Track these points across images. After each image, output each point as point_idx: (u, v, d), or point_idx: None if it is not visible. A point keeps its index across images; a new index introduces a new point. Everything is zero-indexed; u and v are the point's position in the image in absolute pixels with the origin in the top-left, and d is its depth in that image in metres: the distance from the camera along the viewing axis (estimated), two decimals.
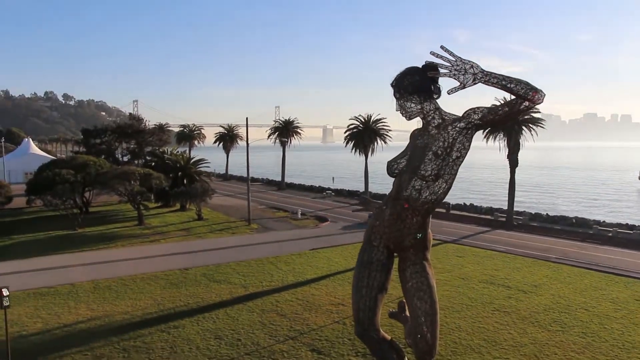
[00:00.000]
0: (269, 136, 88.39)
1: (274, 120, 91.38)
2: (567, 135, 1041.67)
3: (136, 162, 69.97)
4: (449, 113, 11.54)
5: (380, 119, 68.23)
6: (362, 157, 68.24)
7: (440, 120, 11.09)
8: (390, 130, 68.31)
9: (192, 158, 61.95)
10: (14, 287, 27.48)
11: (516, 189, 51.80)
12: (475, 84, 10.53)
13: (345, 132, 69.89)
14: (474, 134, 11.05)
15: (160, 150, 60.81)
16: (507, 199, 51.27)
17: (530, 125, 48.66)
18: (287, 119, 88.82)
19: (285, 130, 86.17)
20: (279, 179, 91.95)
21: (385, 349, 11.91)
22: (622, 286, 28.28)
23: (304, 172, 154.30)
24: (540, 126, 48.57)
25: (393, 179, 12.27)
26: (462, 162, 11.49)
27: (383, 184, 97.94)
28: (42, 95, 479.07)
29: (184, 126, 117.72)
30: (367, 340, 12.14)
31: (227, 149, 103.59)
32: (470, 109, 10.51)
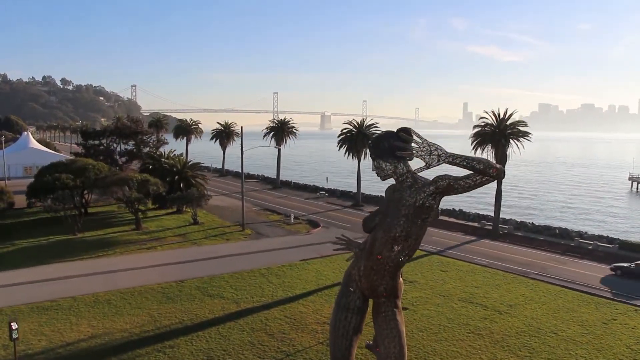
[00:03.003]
0: (264, 136, 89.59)
1: (271, 121, 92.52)
2: (565, 125, 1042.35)
3: (134, 163, 71.31)
4: (420, 176, 13.18)
5: (373, 124, 69.60)
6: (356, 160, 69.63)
7: (411, 181, 12.70)
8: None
9: (189, 162, 63.28)
10: (19, 301, 29.34)
11: (505, 191, 53.06)
12: (439, 164, 12.15)
13: (338, 137, 71.22)
14: (441, 198, 12.67)
15: (158, 153, 62.10)
16: (493, 206, 52.83)
17: (517, 139, 49.98)
18: (282, 119, 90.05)
19: (280, 131, 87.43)
20: (274, 175, 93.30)
21: None
22: (593, 307, 29.96)
23: (299, 165, 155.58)
24: (527, 140, 49.97)
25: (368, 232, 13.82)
26: (430, 221, 13.20)
27: (376, 184, 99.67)
28: (40, 80, 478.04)
29: (181, 120, 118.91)
30: None
31: (223, 145, 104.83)
32: (439, 176, 12.14)
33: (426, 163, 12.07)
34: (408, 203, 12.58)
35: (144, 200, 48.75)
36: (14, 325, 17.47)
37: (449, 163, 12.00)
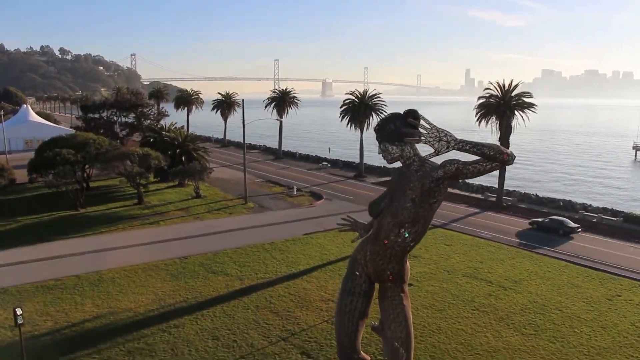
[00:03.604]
0: (265, 107, 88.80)
1: (272, 91, 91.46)
2: (568, 92, 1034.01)
3: (135, 135, 70.81)
4: (428, 159, 12.79)
5: (375, 94, 68.81)
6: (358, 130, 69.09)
7: (419, 165, 12.33)
8: (385, 105, 68.89)
9: (191, 134, 62.83)
10: (24, 280, 29.39)
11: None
12: (449, 150, 11.77)
13: (341, 107, 70.50)
14: (449, 182, 12.33)
15: (159, 126, 61.58)
16: (497, 178, 52.50)
17: (522, 111, 49.39)
18: (284, 89, 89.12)
19: (282, 102, 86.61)
20: (276, 145, 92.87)
21: None
22: (597, 283, 29.91)
23: (301, 135, 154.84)
24: (532, 111, 49.37)
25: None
26: (438, 206, 12.88)
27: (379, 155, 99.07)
28: (38, 50, 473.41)
29: (182, 91, 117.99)
30: None
31: (224, 116, 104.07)
32: (447, 161, 11.76)
33: (435, 150, 11.63)
34: (415, 187, 12.15)
35: (146, 174, 48.50)
36: (19, 311, 17.42)
37: (459, 150, 11.56)
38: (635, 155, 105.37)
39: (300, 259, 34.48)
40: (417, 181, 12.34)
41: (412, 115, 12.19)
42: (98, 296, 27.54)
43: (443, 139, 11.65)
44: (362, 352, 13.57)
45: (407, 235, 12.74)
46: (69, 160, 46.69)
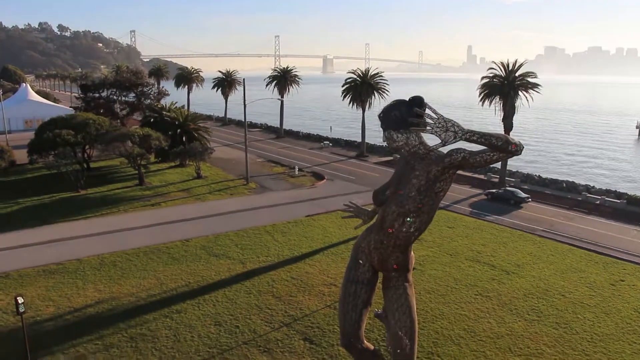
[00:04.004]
0: (266, 85, 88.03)
1: (273, 69, 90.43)
2: (571, 69, 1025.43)
3: (135, 115, 70.32)
4: (434, 148, 12.47)
5: (377, 74, 68.13)
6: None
7: (424, 154, 12.03)
8: (387, 84, 68.32)
9: (191, 114, 62.36)
10: (25, 264, 29.32)
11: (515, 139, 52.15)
12: (456, 141, 11.44)
13: (342, 86, 69.88)
14: (456, 171, 12.05)
15: (159, 106, 61.04)
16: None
17: (526, 91, 48.86)
18: (285, 67, 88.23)
19: (283, 80, 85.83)
20: (277, 123, 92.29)
21: (368, 357, 13.42)
22: (601, 268, 29.80)
23: (302, 113, 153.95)
24: (537, 92, 48.82)
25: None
26: (443, 196, 12.61)
27: (381, 134, 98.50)
28: (37, 27, 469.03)
29: (182, 69, 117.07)
30: (352, 350, 13.67)
31: (225, 94, 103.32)
32: (453, 150, 11.44)
33: (442, 140, 11.24)
34: (420, 176, 11.79)
35: (146, 155, 48.21)
36: (20, 300, 17.32)
37: (466, 140, 11.17)
38: (639, 135, 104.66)
39: (302, 242, 34.37)
40: (422, 170, 12.01)
41: (417, 103, 11.84)
42: (100, 280, 27.48)
43: (450, 129, 11.25)
44: (365, 340, 13.39)
45: (409, 220, 12.44)
46: (69, 142, 46.41)
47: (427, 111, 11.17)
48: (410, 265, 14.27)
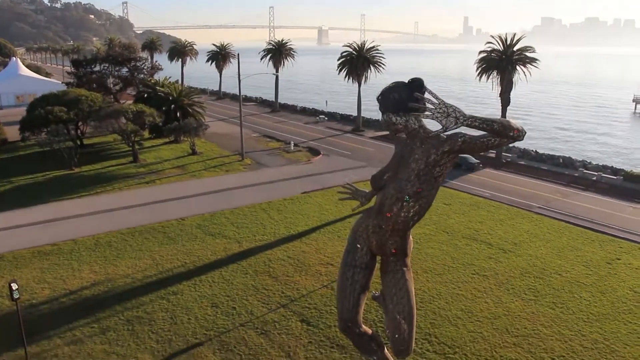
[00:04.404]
0: (261, 59, 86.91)
1: (267, 42, 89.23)
2: (568, 40, 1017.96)
3: (128, 90, 69.40)
4: (434, 133, 12.19)
5: (373, 47, 67.23)
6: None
7: (424, 137, 11.76)
8: (383, 57, 67.51)
9: (185, 89, 61.56)
10: (20, 245, 29.12)
11: (508, 115, 51.86)
12: (457, 127, 11.14)
13: (338, 60, 69.00)
14: (456, 156, 11.81)
15: (152, 81, 60.16)
16: None
17: (524, 66, 48.31)
18: (280, 40, 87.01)
19: (278, 53, 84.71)
20: (272, 97, 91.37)
21: (366, 341, 13.33)
22: (597, 246, 29.80)
23: (297, 87, 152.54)
24: (535, 67, 48.27)
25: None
26: (443, 180, 12.39)
27: (377, 107, 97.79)
28: None
29: (175, 42, 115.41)
30: (350, 334, 13.58)
31: (219, 68, 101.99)
32: (454, 134, 11.17)
33: (443, 126, 10.92)
34: (419, 160, 11.51)
35: (140, 132, 47.68)
36: (14, 286, 17.08)
37: (468, 126, 10.84)
38: (635, 108, 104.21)
39: (298, 220, 34.22)
40: (421, 154, 11.71)
41: (417, 85, 11.51)
42: (95, 261, 27.31)
43: (451, 115, 10.89)
44: (363, 325, 13.28)
45: (407, 199, 12.17)
46: (61, 119, 45.81)
47: (428, 96, 10.85)
48: (408, 249, 14.06)
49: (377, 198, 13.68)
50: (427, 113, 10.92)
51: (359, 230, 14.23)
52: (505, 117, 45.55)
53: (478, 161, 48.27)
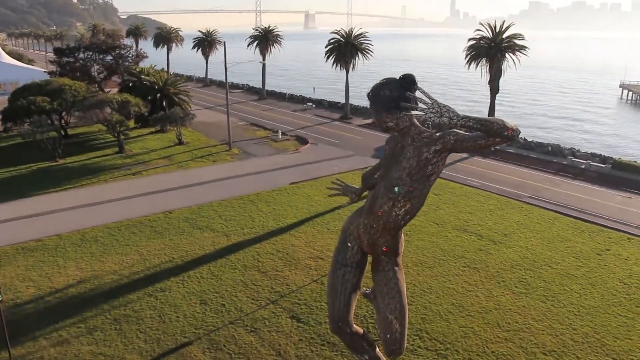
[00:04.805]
0: (248, 45, 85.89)
1: (254, 28, 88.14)
2: (556, 24, 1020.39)
3: (113, 78, 68.34)
4: (426, 129, 11.87)
5: (361, 34, 66.65)
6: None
7: (415, 135, 11.44)
8: (371, 44, 67.00)
9: (171, 77, 60.68)
10: (3, 241, 28.59)
11: (498, 100, 51.59)
12: (450, 127, 10.82)
13: (326, 47, 68.32)
14: (448, 155, 11.50)
15: (138, 69, 59.18)
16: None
17: (513, 54, 48.09)
18: (266, 27, 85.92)
19: (264, 40, 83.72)
20: (259, 84, 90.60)
21: (357, 341, 13.09)
22: (587, 236, 29.79)
23: (284, 74, 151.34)
24: (524, 54, 48.08)
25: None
26: (435, 179, 12.07)
27: (364, 94, 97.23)
28: None
29: (160, 28, 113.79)
30: (342, 335, 13.33)
31: (206, 54, 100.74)
32: (447, 132, 10.85)
33: (436, 126, 10.60)
34: (411, 159, 11.17)
35: (126, 122, 46.91)
36: None
37: (462, 126, 10.51)
38: (622, 94, 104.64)
39: (287, 212, 33.90)
40: (413, 152, 11.37)
41: (408, 81, 11.15)
42: (81, 258, 26.82)
43: (445, 115, 10.54)
44: (355, 324, 13.03)
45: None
46: (44, 109, 44.90)
47: (420, 95, 10.50)
48: (400, 248, 13.76)
49: (368, 196, 13.37)
50: (419, 113, 10.60)
51: (350, 228, 13.92)
52: (494, 105, 45.30)
53: None
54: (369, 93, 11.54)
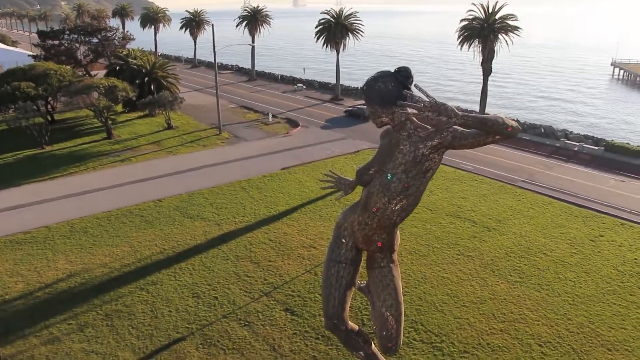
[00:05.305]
0: (237, 26, 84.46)
1: (242, 8, 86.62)
2: None
3: (99, 61, 67.08)
4: (422, 124, 11.47)
5: (352, 14, 65.65)
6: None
7: (412, 130, 11.04)
8: (362, 24, 66.09)
9: (159, 60, 59.59)
10: None
11: (490, 82, 51.09)
12: (449, 126, 10.42)
13: (316, 27, 67.26)
14: (445, 151, 11.12)
15: (124, 52, 57.96)
16: (479, 101, 51.44)
17: (506, 34, 47.53)
18: (255, 7, 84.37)
19: (253, 20, 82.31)
20: (249, 64, 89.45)
21: (353, 338, 12.88)
22: (581, 222, 29.70)
23: (274, 54, 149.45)
24: (517, 35, 47.52)
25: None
26: (431, 175, 11.68)
27: (355, 74, 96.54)
28: None
29: (147, 8, 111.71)
30: (337, 332, 13.10)
31: (194, 35, 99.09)
32: (445, 127, 10.45)
33: (434, 125, 10.25)
34: (407, 154, 10.80)
35: (113, 107, 46.06)
36: None
37: (461, 125, 10.13)
38: (613, 72, 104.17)
39: (279, 198, 33.53)
40: (409, 148, 10.98)
41: (404, 74, 10.73)
42: (71, 250, 26.37)
43: (443, 113, 10.16)
44: (350, 321, 12.80)
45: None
46: (29, 95, 43.97)
47: (418, 93, 10.07)
48: (395, 245, 13.42)
49: (362, 193, 12.96)
50: (417, 112, 10.17)
51: (344, 224, 13.54)
52: (486, 87, 44.68)
53: None
54: (363, 87, 11.07)
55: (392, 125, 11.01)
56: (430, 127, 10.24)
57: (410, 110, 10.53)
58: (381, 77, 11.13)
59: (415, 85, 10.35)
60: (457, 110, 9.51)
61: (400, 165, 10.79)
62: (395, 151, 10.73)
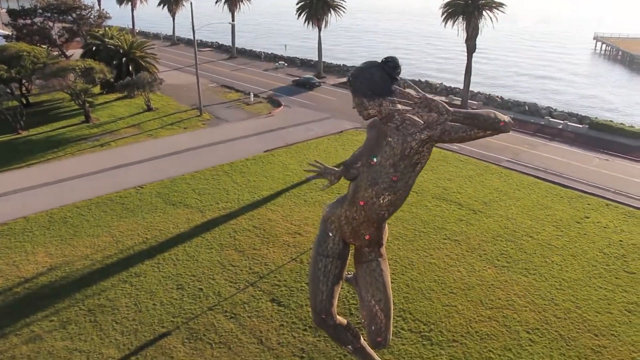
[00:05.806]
0: (216, 2, 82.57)
1: None
2: None
3: (75, 41, 65.16)
4: (411, 116, 11.02)
5: None
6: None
7: (399, 123, 10.62)
8: (344, 0, 64.95)
9: (136, 40, 58.03)
10: None
11: (473, 58, 50.65)
12: (440, 122, 10.00)
13: (297, 4, 65.96)
14: (433, 145, 10.73)
15: (100, 32, 56.23)
16: (462, 79, 50.99)
17: (490, 11, 46.91)
18: None
19: None
20: (229, 42, 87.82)
21: (342, 332, 12.65)
22: (566, 203, 29.70)
23: (254, 29, 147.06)
24: (501, 12, 46.94)
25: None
26: (420, 169, 11.28)
27: (337, 50, 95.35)
28: None
29: None
30: (325, 327, 12.83)
31: (172, 12, 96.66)
32: (434, 120, 10.04)
33: (425, 121, 9.82)
34: (396, 147, 10.42)
35: (90, 90, 44.81)
36: None
37: (452, 121, 9.71)
38: (595, 46, 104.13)
39: (262, 183, 33.04)
40: (397, 141, 10.58)
41: (391, 65, 10.30)
42: (50, 242, 25.69)
43: (434, 109, 9.72)
44: (338, 315, 12.55)
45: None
46: (1, 77, 42.57)
47: (409, 90, 9.65)
48: (383, 239, 13.08)
49: (350, 187, 12.54)
50: (407, 108, 9.73)
51: (331, 218, 13.12)
52: (470, 65, 44.07)
53: (319, 81, 62.47)
54: (348, 77, 10.55)
55: (379, 117, 10.54)
56: (419, 120, 9.78)
57: (400, 106, 9.99)
58: (367, 69, 10.61)
59: (405, 81, 9.90)
60: (447, 107, 9.10)
61: (389, 159, 10.38)
62: (382, 144, 10.30)
